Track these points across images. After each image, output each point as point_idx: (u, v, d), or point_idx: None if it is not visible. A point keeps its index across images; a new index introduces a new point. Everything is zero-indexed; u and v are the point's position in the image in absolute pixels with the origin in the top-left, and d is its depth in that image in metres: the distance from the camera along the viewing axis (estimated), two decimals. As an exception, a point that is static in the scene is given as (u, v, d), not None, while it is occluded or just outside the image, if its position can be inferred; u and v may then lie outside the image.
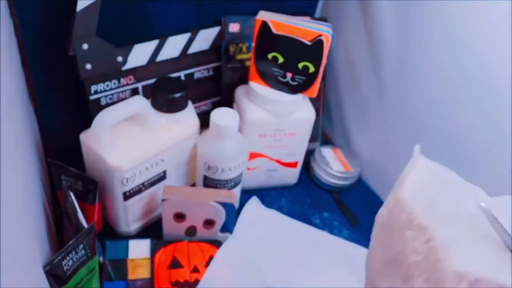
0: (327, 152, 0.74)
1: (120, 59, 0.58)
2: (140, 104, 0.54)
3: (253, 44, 0.60)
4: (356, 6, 0.69)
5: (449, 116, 0.56)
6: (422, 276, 0.33)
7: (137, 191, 0.57)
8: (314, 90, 0.61)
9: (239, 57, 0.68)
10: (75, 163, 0.54)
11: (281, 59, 0.60)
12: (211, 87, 0.70)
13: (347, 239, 0.65)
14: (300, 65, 0.59)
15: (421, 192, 0.36)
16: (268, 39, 0.58)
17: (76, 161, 0.55)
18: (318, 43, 0.57)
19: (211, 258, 0.57)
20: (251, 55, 0.62)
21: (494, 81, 0.50)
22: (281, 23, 0.57)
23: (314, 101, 0.65)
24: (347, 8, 0.71)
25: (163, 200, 0.56)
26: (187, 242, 0.58)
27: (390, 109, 0.66)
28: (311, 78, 0.60)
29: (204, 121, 0.59)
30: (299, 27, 0.57)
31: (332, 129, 0.81)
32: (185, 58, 0.65)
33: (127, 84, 0.61)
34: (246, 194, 0.68)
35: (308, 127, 0.65)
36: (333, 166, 0.72)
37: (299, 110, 0.63)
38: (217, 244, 0.59)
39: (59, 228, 0.57)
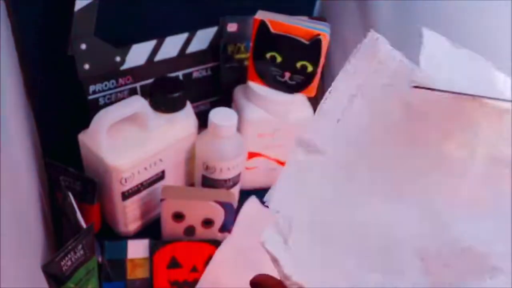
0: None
1: (118, 59, 0.58)
2: (138, 104, 0.54)
3: (251, 44, 0.60)
4: (354, 5, 0.69)
5: None
6: None
7: (136, 191, 0.57)
8: (312, 89, 0.61)
9: (237, 56, 0.68)
10: (73, 163, 0.54)
11: (279, 59, 0.60)
12: (209, 87, 0.70)
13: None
14: (298, 65, 0.59)
15: None
16: (266, 39, 0.58)
17: (75, 161, 0.55)
18: (316, 43, 0.57)
19: (210, 257, 0.57)
20: (249, 54, 0.62)
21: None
22: (279, 22, 0.57)
23: (313, 101, 0.65)
24: (345, 7, 0.71)
25: (161, 200, 0.56)
26: (186, 242, 0.58)
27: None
28: (309, 77, 0.60)
29: (203, 121, 0.59)
30: (297, 26, 0.57)
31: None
32: (183, 58, 0.64)
33: (125, 84, 0.61)
34: (245, 194, 0.68)
35: (306, 126, 0.65)
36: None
37: (297, 110, 0.63)
38: (216, 243, 0.59)
39: (58, 229, 0.57)
